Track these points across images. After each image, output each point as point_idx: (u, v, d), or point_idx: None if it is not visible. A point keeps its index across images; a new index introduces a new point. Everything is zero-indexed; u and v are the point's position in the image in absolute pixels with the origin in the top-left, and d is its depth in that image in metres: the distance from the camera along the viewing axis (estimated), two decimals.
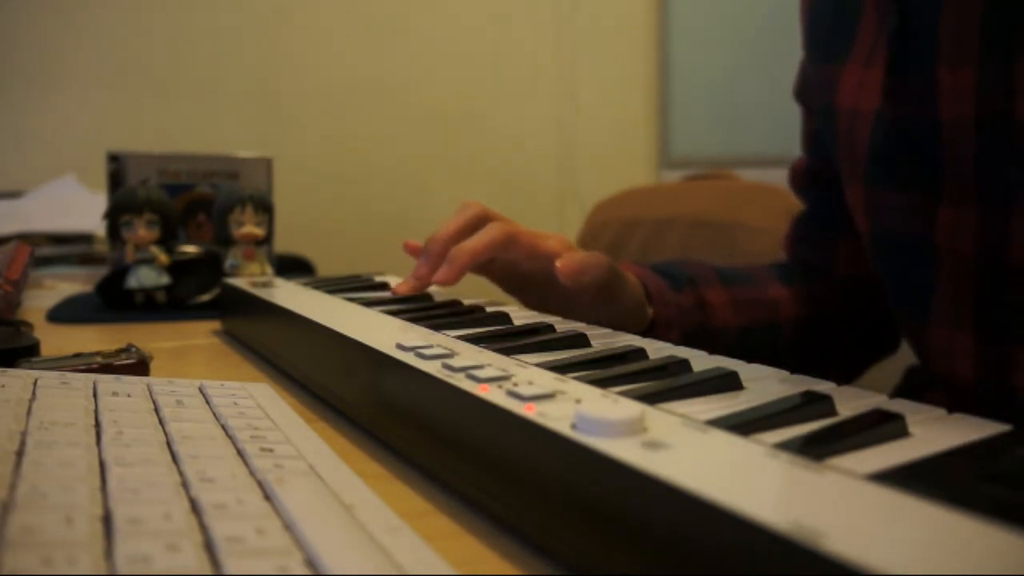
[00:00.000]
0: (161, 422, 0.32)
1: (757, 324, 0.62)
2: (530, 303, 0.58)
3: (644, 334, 0.56)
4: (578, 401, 0.27)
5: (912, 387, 0.63)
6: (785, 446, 0.23)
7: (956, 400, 0.53)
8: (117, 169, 0.88)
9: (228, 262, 0.75)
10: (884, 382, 0.67)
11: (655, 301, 0.57)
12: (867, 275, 0.63)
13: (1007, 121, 0.46)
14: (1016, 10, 0.45)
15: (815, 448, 0.23)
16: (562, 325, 0.42)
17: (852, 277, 0.65)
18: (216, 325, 0.68)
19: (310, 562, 0.21)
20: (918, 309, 0.54)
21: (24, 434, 0.28)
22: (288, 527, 0.23)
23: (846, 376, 0.69)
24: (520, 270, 0.55)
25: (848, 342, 0.67)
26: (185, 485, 0.25)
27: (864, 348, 0.69)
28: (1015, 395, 0.49)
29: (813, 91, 0.61)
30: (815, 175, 0.68)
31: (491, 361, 0.32)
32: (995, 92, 0.46)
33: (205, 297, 0.75)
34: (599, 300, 0.53)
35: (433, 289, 0.56)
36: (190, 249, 0.78)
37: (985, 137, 0.47)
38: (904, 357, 0.65)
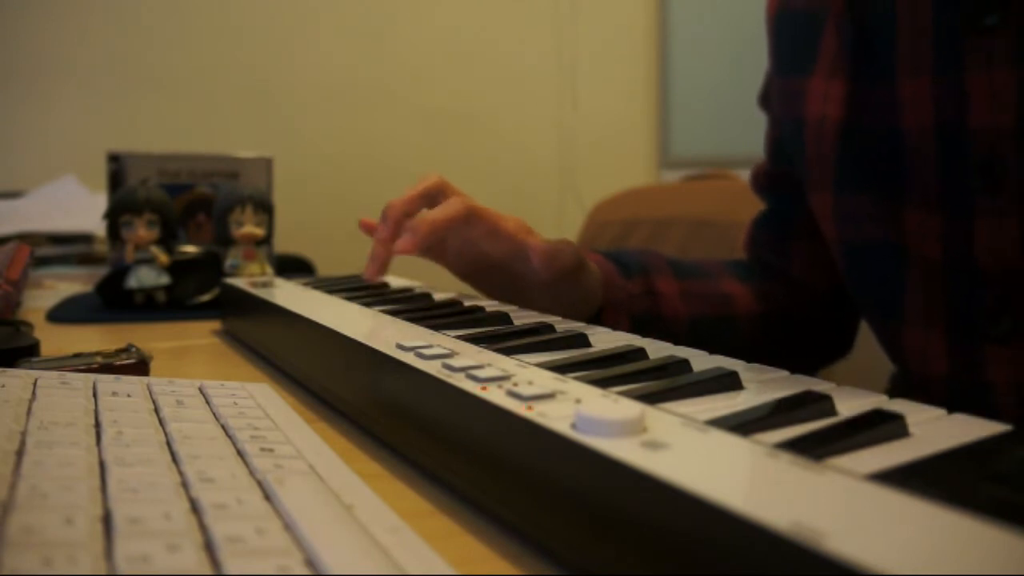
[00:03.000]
0: (161, 422, 0.32)
1: (708, 317, 0.63)
2: (481, 285, 0.58)
3: (592, 318, 0.57)
4: (578, 401, 0.27)
5: (900, 392, 0.63)
6: (785, 446, 0.23)
7: (932, 398, 0.53)
8: (117, 169, 0.88)
9: (228, 262, 0.75)
10: (872, 388, 0.67)
11: (604, 285, 0.58)
12: (823, 278, 0.64)
13: (963, 129, 0.47)
14: (963, 19, 0.46)
15: (815, 448, 0.23)
16: (562, 325, 0.42)
17: (807, 279, 0.66)
18: (216, 325, 0.69)
19: (310, 562, 0.21)
20: (890, 311, 0.54)
21: (24, 434, 0.28)
22: (288, 527, 0.23)
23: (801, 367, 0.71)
24: (476, 249, 0.56)
25: (802, 342, 0.68)
26: (185, 485, 0.25)
27: (817, 349, 0.70)
28: (990, 391, 0.50)
29: (779, 102, 0.63)
30: (775, 179, 0.69)
31: (491, 361, 0.32)
32: (950, 101, 0.47)
33: (205, 297, 0.75)
34: (562, 284, 0.54)
35: (420, 286, 0.56)
36: (190, 249, 0.78)
37: (945, 145, 0.48)
38: (890, 363, 0.66)
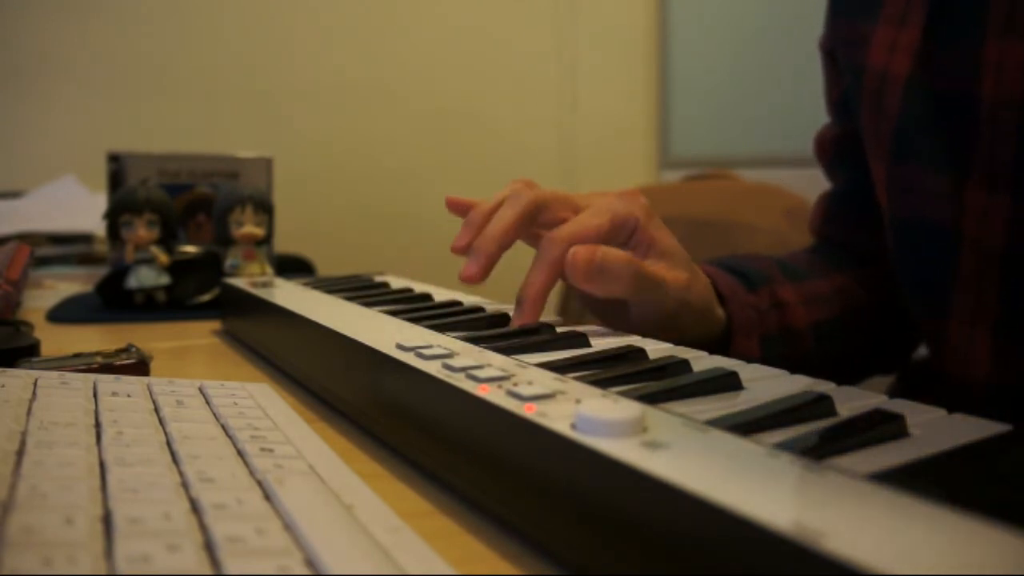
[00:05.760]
0: (161, 422, 0.32)
1: (827, 320, 0.56)
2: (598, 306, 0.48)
3: (719, 343, 0.49)
4: (578, 401, 0.27)
5: (907, 387, 0.60)
6: (785, 446, 0.23)
7: (966, 399, 0.50)
8: (117, 169, 0.88)
9: (228, 262, 0.75)
10: (879, 383, 0.65)
11: (730, 303, 0.50)
12: None
13: None
14: None
15: (815, 448, 0.23)
16: (562, 325, 0.42)
17: None
18: (216, 325, 0.68)
19: (310, 562, 0.21)
20: (936, 301, 0.50)
21: (24, 434, 0.28)
22: (288, 527, 0.23)
23: (890, 367, 0.64)
24: None
25: (893, 329, 0.62)
26: (185, 485, 0.25)
27: (909, 337, 0.63)
28: None
29: (841, 46, 0.56)
30: (845, 145, 0.61)
31: (491, 361, 0.32)
32: None
33: (205, 297, 0.75)
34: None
35: (420, 286, 0.56)
36: (190, 249, 0.78)
37: None
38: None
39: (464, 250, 0.46)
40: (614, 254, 0.41)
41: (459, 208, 0.50)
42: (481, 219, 0.46)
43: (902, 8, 0.51)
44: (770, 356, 0.51)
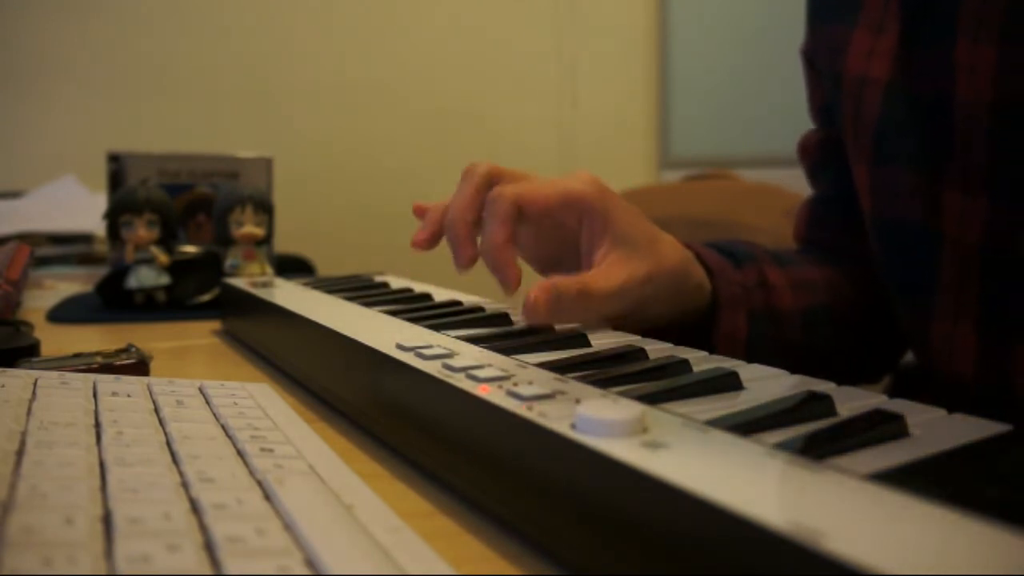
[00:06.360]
0: (161, 422, 0.32)
1: (816, 308, 0.56)
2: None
3: (705, 318, 0.50)
4: (578, 401, 0.27)
5: (902, 390, 0.61)
6: (785, 446, 0.23)
7: (953, 399, 0.50)
8: (117, 169, 0.88)
9: (228, 262, 0.75)
10: (874, 385, 0.65)
11: (716, 277, 0.51)
12: None
13: None
14: None
15: (815, 448, 0.23)
16: (562, 325, 0.42)
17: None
18: (216, 325, 0.68)
19: (310, 562, 0.21)
20: (919, 301, 0.51)
21: (24, 434, 0.28)
22: (288, 527, 0.23)
23: (877, 372, 0.64)
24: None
25: (881, 333, 0.62)
26: (185, 485, 0.25)
27: (896, 342, 0.62)
28: (1016, 396, 0.47)
29: (821, 54, 0.57)
30: (829, 149, 0.61)
31: (491, 361, 0.32)
32: (1018, 74, 0.44)
33: (205, 297, 0.75)
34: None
35: (420, 286, 0.56)
36: (190, 249, 0.78)
37: (1002, 120, 0.45)
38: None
39: (423, 244, 0.48)
40: (566, 298, 0.41)
41: (423, 214, 0.51)
42: (438, 214, 0.48)
43: (879, 15, 0.51)
44: (758, 335, 0.52)
